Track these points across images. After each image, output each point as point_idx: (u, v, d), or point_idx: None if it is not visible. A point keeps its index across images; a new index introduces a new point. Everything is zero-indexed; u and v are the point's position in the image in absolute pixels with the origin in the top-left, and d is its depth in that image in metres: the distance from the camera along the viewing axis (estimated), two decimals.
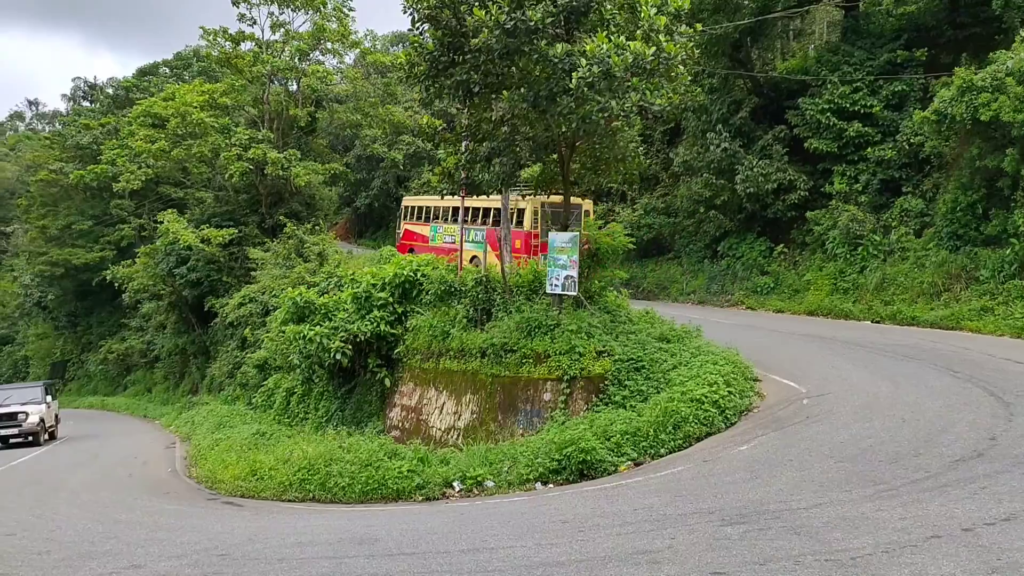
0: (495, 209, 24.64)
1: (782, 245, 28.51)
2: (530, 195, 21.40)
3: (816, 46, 33.80)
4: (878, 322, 22.61)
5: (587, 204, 25.52)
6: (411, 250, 29.67)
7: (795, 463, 10.07)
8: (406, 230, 32.37)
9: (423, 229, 30.88)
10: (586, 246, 17.13)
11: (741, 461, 10.83)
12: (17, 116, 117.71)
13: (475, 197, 20.66)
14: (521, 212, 25.18)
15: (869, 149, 25.91)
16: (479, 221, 26.72)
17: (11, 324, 64.55)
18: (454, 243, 25.80)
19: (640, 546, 7.46)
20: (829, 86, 26.54)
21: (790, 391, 14.47)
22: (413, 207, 32.46)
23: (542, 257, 22.24)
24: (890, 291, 23.50)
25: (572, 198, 20.00)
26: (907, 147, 24.96)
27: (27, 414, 28.07)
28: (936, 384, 13.68)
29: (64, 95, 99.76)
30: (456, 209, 25.63)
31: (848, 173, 26.50)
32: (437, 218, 30.11)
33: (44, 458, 25.27)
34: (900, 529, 7.03)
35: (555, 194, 20.05)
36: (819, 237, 26.78)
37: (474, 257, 25.46)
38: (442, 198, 21.85)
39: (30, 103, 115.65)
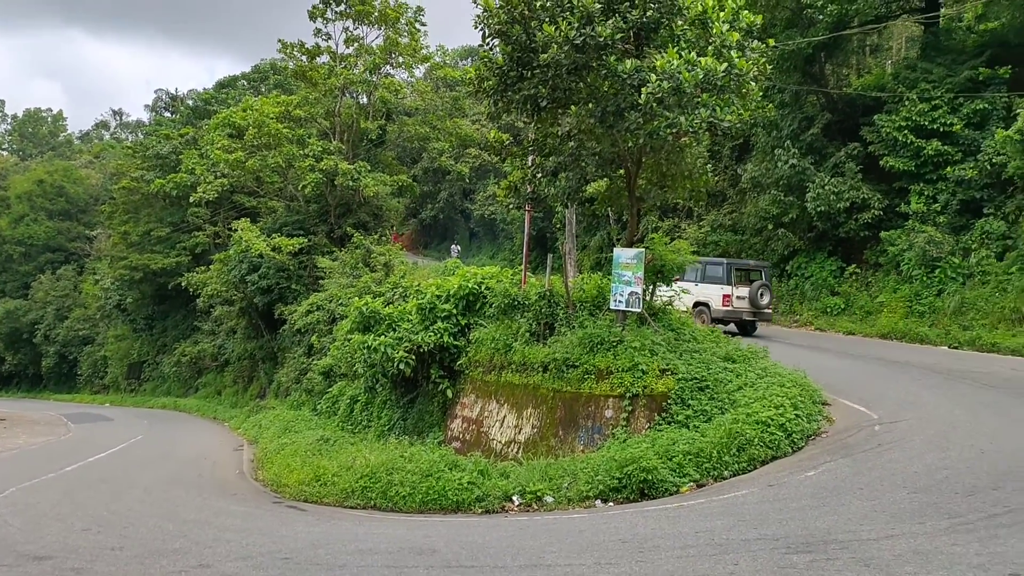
0: None
1: (854, 265, 27.77)
2: None
3: (893, 62, 32.96)
4: (955, 348, 21.81)
5: None
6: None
7: (865, 492, 9.77)
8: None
9: None
10: (650, 262, 16.98)
11: (808, 487, 10.54)
12: (102, 125, 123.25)
13: None
14: None
15: (948, 168, 25.09)
16: None
17: (92, 325, 67.09)
18: None
19: (701, 570, 7.33)
20: (907, 103, 25.80)
21: (861, 416, 14.05)
22: None
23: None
24: (969, 316, 22.65)
25: None
26: (989, 167, 24.06)
27: None
28: (1018, 414, 13.13)
29: (146, 105, 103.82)
30: None
31: (926, 192, 25.69)
32: None
33: (118, 457, 26.15)
34: (976, 566, 6.75)
35: None
36: (894, 258, 26.00)
37: None
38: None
39: (114, 113, 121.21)
